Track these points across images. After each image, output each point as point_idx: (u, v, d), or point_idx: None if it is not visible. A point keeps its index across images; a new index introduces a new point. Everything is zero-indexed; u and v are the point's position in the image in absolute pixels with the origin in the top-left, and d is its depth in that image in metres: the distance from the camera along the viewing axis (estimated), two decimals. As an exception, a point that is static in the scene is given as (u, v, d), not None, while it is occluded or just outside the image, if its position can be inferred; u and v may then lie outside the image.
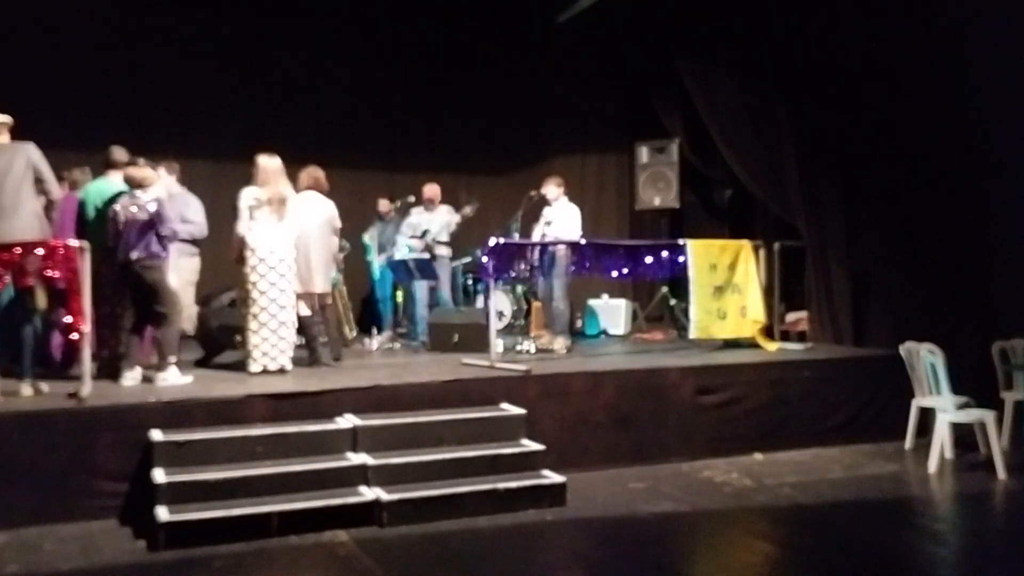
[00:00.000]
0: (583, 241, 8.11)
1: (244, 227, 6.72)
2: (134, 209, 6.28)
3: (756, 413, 7.20)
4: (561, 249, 8.08)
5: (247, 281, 6.74)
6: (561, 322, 8.59)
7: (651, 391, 6.91)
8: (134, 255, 6.23)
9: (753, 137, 9.33)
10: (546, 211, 8.69)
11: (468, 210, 9.36)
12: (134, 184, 6.39)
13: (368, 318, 10.23)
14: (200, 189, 7.72)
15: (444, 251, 9.26)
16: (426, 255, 9.11)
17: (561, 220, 8.50)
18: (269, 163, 6.86)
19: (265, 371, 6.70)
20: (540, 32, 11.59)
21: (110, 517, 5.28)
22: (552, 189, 8.61)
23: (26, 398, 5.74)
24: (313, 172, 7.54)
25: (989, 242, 8.08)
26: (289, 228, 6.84)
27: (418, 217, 9.35)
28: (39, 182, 5.96)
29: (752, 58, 9.15)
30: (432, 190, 9.38)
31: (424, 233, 9.19)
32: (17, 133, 6.12)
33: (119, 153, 6.85)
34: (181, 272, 6.95)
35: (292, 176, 7.22)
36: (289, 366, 6.80)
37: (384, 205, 10.04)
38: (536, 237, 8.59)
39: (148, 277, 6.29)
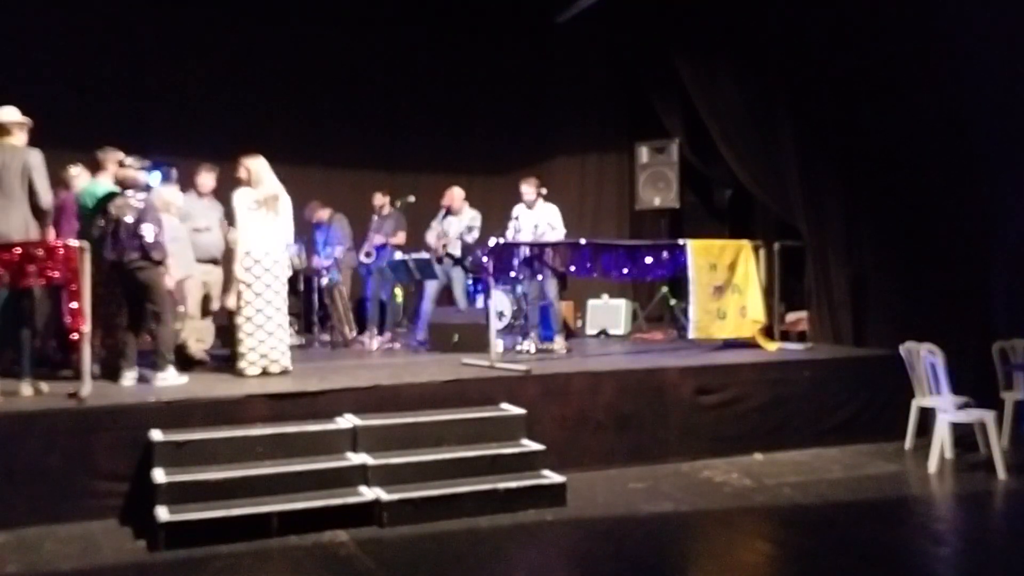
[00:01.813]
0: (583, 241, 8.10)
1: (243, 230, 6.71)
2: (124, 210, 6.30)
3: (756, 413, 7.19)
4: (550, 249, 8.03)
5: (242, 282, 6.71)
6: (557, 322, 8.59)
7: (651, 391, 6.90)
8: (127, 256, 6.24)
9: (753, 137, 9.32)
10: (522, 210, 8.63)
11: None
12: (123, 185, 6.41)
13: (368, 318, 10.20)
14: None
15: (455, 253, 9.28)
16: (425, 255, 9.14)
17: (542, 220, 8.48)
18: (256, 163, 6.84)
19: (265, 373, 6.67)
20: (540, 32, 11.59)
21: (110, 517, 5.28)
22: (529, 190, 8.58)
23: (26, 398, 5.74)
24: None
25: (989, 242, 8.07)
26: (283, 225, 6.83)
27: (442, 216, 9.39)
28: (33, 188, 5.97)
29: (752, 58, 9.14)
30: (450, 198, 9.35)
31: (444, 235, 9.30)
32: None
33: (107, 154, 6.84)
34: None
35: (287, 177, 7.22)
36: (290, 366, 6.77)
37: (379, 199, 9.93)
38: (521, 236, 8.53)
39: (140, 277, 6.30)
